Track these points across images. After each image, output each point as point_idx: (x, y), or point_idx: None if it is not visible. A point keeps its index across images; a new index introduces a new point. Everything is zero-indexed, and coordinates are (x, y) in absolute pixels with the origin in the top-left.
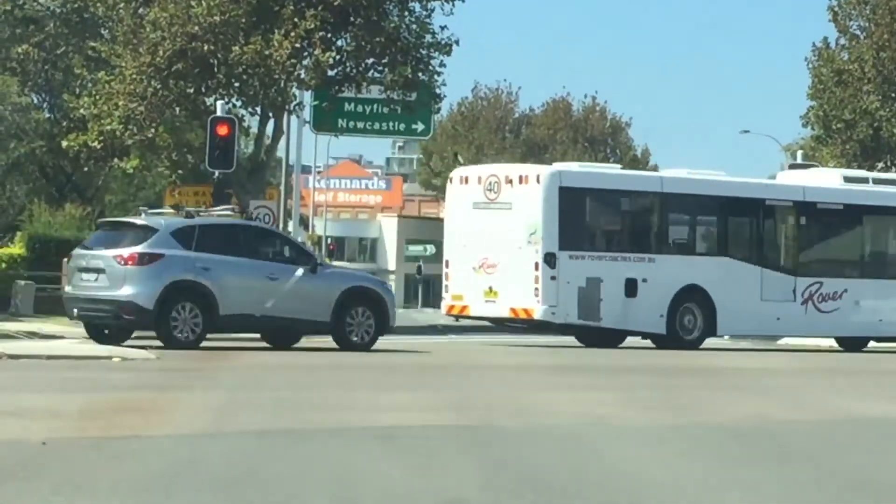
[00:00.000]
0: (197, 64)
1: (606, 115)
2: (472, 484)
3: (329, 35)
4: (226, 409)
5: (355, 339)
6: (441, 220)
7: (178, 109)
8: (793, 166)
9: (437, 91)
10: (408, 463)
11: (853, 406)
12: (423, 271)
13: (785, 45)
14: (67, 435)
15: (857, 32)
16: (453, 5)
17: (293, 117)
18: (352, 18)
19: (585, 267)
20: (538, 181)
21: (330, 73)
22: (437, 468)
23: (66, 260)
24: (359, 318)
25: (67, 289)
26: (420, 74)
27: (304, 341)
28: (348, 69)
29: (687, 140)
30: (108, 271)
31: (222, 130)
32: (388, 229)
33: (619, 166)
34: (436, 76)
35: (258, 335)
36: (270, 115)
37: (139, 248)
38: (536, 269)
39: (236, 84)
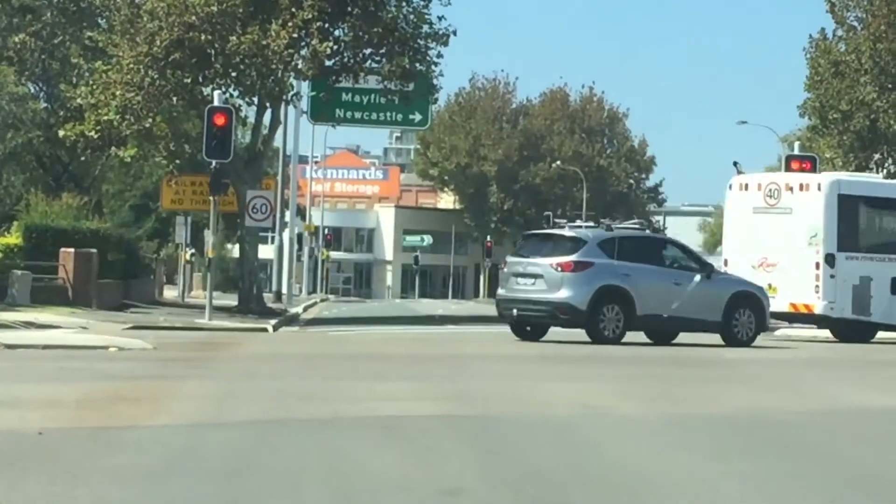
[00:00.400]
0: (194, 54)
1: (604, 105)
2: (471, 474)
3: (326, 25)
4: (224, 398)
5: (740, 336)
6: (437, 210)
7: (175, 99)
8: (790, 157)
9: (435, 81)
10: (406, 453)
11: (854, 397)
12: (420, 261)
13: (783, 36)
14: (64, 425)
15: (855, 24)
16: None
17: (290, 107)
18: (349, 8)
19: (859, 267)
20: (819, 189)
21: (327, 63)
22: (435, 458)
23: (501, 267)
24: (743, 318)
25: (501, 291)
26: (417, 65)
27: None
28: (346, 59)
29: (684, 130)
30: (546, 277)
31: (219, 120)
32: (385, 219)
33: (878, 176)
34: (433, 66)
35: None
36: (268, 104)
37: (573, 258)
38: (817, 268)
39: (233, 74)
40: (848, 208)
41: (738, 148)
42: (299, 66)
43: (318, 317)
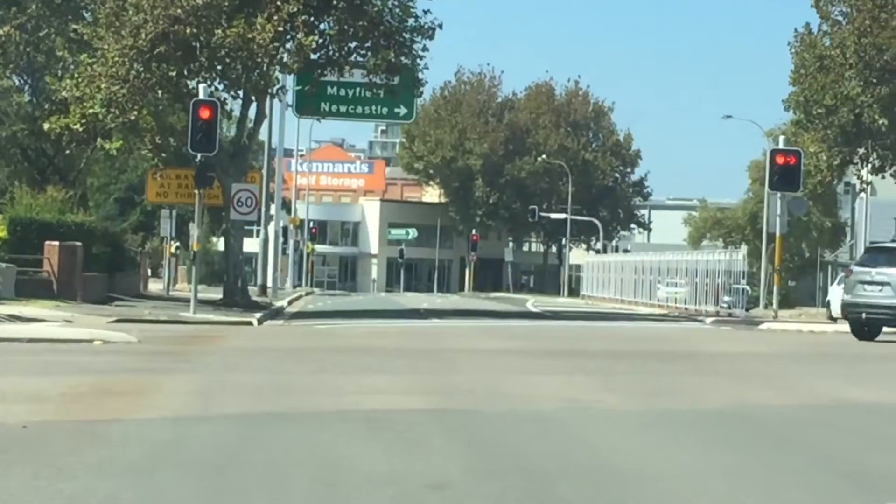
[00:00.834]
0: (179, 47)
1: (589, 99)
2: (456, 468)
3: (312, 19)
4: (209, 392)
5: None
6: (422, 204)
7: (160, 92)
8: (775, 151)
9: (420, 75)
10: (391, 447)
11: (839, 391)
12: (405, 255)
13: (768, 30)
14: (49, 418)
15: (839, 18)
16: None
17: (276, 101)
18: (334, 2)
19: None
20: None
21: (313, 56)
22: (421, 452)
23: (842, 275)
24: None
25: (846, 297)
26: (403, 58)
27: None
28: (331, 53)
29: (669, 125)
30: (893, 284)
31: (205, 113)
32: (370, 213)
33: None
34: (418, 60)
35: None
36: (253, 98)
37: None
38: None
39: (219, 67)
40: None
41: (723, 142)
42: (285, 60)
43: (303, 310)
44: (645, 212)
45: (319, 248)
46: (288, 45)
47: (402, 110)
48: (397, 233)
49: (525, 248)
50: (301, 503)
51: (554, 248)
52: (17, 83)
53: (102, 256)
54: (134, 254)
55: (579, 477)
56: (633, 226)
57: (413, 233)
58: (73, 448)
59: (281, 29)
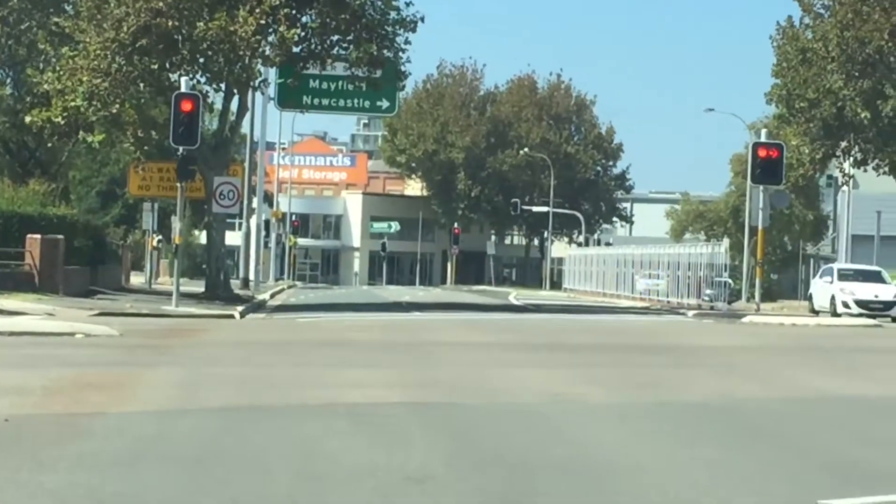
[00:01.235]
0: (161, 40)
1: (571, 92)
2: (438, 461)
3: (294, 12)
4: (191, 385)
5: None
6: (405, 197)
7: (142, 85)
8: (757, 144)
9: (402, 68)
10: (373, 440)
11: (821, 384)
12: (388, 248)
13: (750, 23)
14: (31, 412)
15: (822, 11)
16: None
17: (258, 94)
18: None
19: None
20: None
21: (295, 49)
22: (403, 445)
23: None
24: None
25: None
26: (385, 51)
27: None
28: (313, 46)
29: (651, 118)
30: None
31: (186, 106)
32: (352, 206)
33: None
34: (401, 53)
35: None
36: (235, 91)
37: None
38: None
39: (201, 60)
40: None
41: (705, 135)
42: (267, 53)
43: (286, 303)
44: (627, 205)
45: (302, 241)
46: (270, 38)
47: (385, 103)
48: (379, 226)
49: (507, 242)
50: (284, 495)
51: (536, 242)
52: None
53: (84, 250)
54: (116, 247)
55: (561, 469)
56: (615, 219)
57: (395, 226)
58: (56, 441)
59: (263, 22)
